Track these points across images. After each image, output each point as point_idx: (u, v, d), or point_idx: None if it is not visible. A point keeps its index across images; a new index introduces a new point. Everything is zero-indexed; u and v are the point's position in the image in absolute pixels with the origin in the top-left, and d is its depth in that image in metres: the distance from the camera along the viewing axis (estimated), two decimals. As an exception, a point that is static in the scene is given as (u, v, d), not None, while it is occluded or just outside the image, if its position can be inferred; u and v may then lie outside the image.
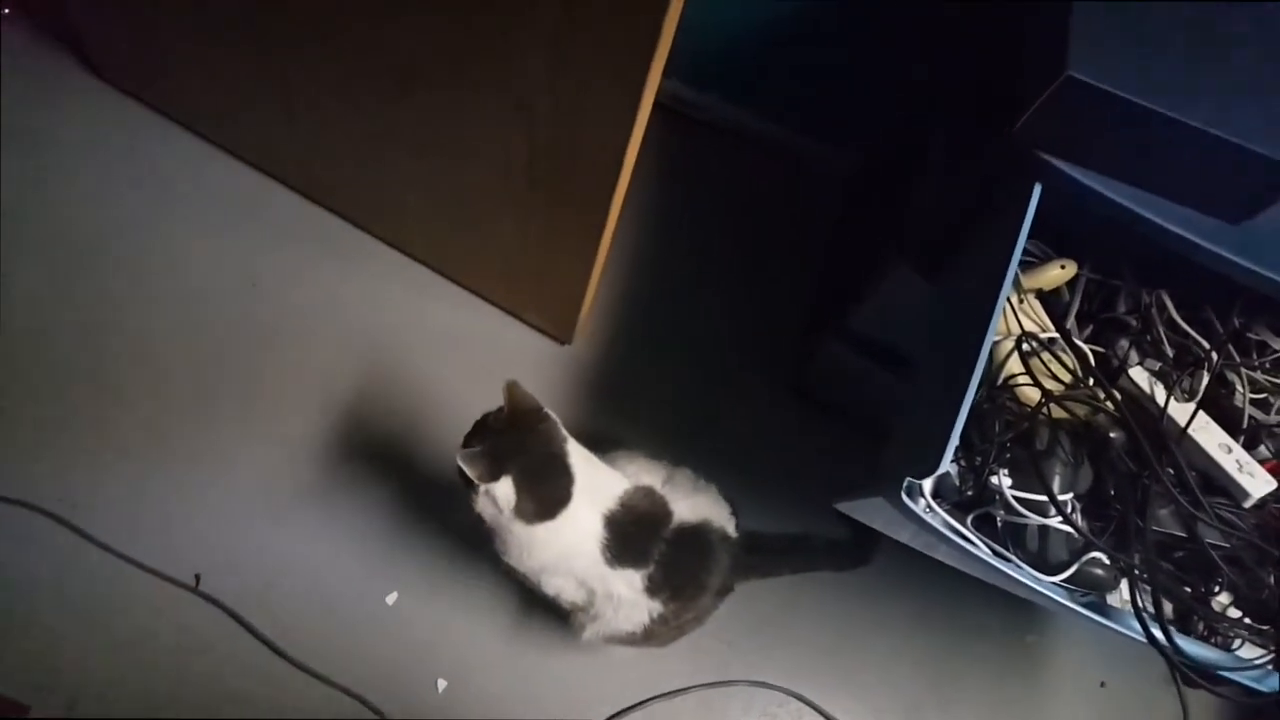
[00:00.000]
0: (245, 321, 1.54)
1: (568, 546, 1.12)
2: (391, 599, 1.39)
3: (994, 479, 0.93)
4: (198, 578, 1.35)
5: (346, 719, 1.33)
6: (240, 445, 1.45)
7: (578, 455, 1.11)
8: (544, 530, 1.08)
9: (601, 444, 1.23)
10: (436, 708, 1.36)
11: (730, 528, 1.24)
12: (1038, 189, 0.93)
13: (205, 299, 1.54)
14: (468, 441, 1.10)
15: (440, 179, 1.37)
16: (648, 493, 1.17)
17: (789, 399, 1.63)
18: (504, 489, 1.05)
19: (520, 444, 1.07)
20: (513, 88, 1.10)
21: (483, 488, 1.05)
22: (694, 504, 1.20)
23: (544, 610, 1.36)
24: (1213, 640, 0.98)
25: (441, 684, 1.36)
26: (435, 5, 1.06)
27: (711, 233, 1.79)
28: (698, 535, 1.18)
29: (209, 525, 1.39)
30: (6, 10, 1.70)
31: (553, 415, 1.11)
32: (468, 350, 1.58)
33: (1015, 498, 0.92)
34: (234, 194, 1.63)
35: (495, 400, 1.11)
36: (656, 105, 1.03)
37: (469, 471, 1.03)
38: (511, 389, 1.09)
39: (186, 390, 1.47)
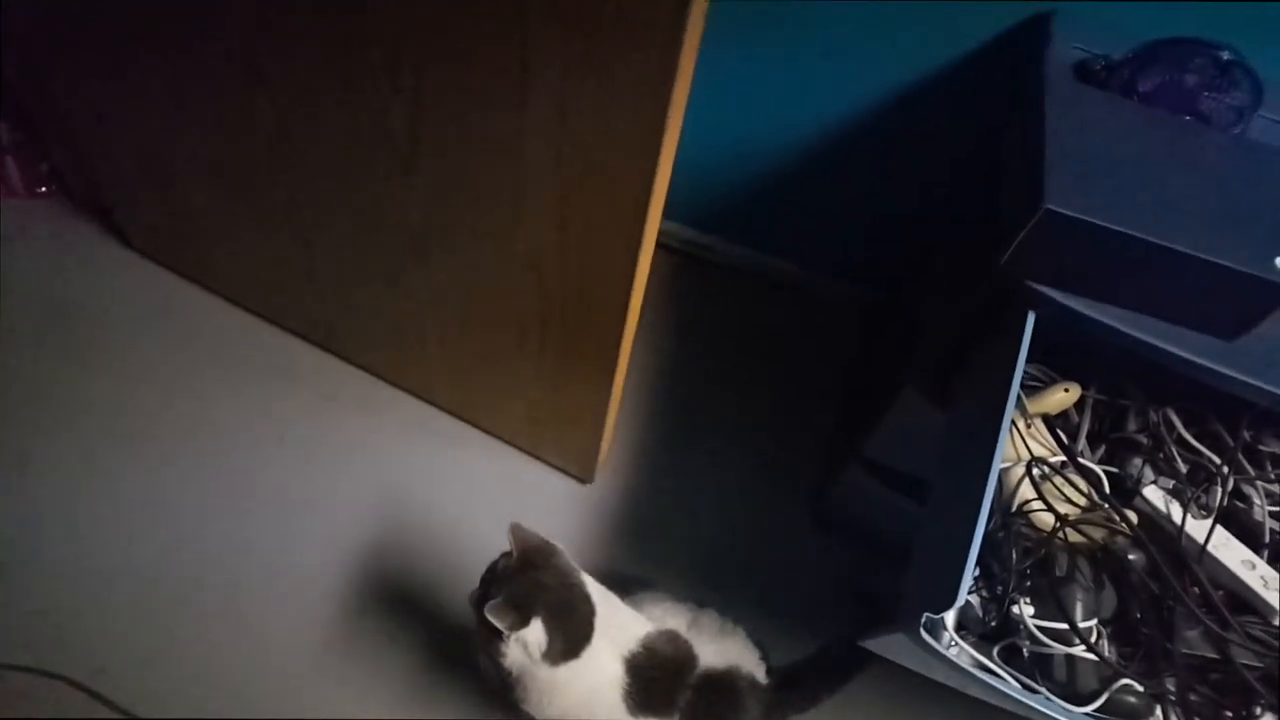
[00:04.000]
0: (273, 475, 1.57)
1: (589, 691, 1.09)
2: (418, 756, 1.37)
3: (1015, 609, 0.92)
4: (223, 742, 1.34)
5: None
6: (262, 601, 1.46)
7: (594, 588, 1.10)
8: (566, 671, 1.05)
9: (626, 585, 1.22)
10: None
11: (760, 674, 1.20)
12: (1031, 317, 0.95)
13: (236, 455, 1.59)
14: (483, 592, 1.09)
15: (457, 332, 1.42)
16: (672, 637, 1.15)
17: (812, 529, 1.62)
18: (535, 633, 1.02)
19: (539, 583, 1.05)
20: (522, 248, 1.15)
21: (512, 636, 1.02)
22: (721, 648, 1.18)
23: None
24: (1257, 767, 0.94)
25: (471, 843, 1.32)
26: (446, 176, 1.13)
27: (728, 366, 1.82)
28: (725, 682, 1.15)
29: (230, 684, 1.38)
30: (46, 189, 1.84)
31: (560, 546, 1.10)
32: (490, 495, 1.59)
33: (1039, 627, 0.90)
34: (262, 354, 1.70)
35: (520, 545, 1.11)
36: (666, 248, 1.08)
37: (499, 623, 1.00)
38: (515, 531, 1.08)
39: (210, 548, 1.49)
